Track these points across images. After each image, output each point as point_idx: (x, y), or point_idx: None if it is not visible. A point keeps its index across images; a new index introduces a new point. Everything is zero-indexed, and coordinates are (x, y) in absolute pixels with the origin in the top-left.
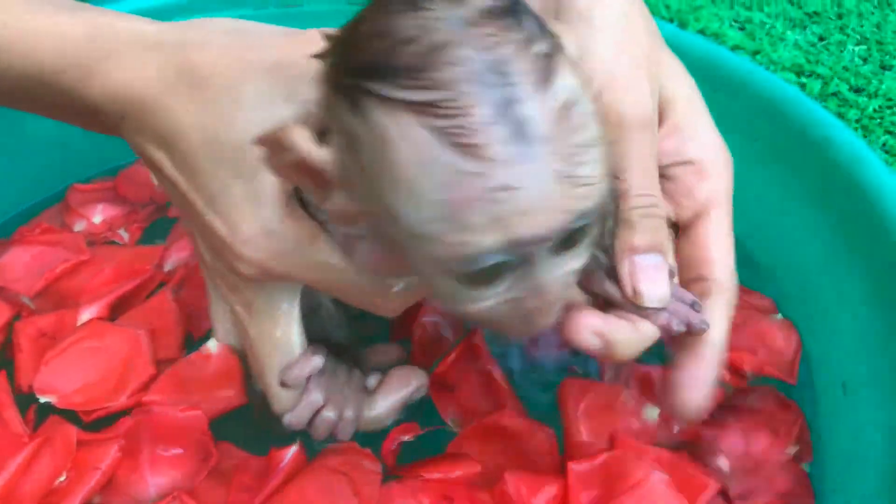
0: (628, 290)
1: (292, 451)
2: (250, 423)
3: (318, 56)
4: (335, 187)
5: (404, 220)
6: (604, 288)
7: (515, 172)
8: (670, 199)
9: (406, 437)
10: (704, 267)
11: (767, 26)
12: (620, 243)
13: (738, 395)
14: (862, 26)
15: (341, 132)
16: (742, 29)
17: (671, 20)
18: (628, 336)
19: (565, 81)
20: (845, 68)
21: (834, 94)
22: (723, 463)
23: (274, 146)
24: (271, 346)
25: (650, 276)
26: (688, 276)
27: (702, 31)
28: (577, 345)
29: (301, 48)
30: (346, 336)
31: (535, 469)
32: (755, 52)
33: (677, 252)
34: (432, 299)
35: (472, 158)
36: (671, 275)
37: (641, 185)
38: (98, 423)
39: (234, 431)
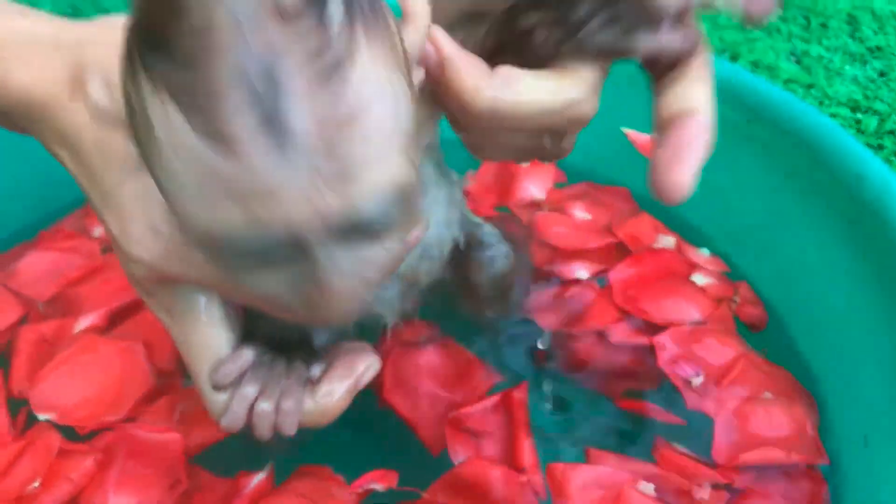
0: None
1: (259, 476)
2: (232, 448)
3: None
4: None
5: (163, 188)
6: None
7: (267, 161)
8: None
9: (378, 486)
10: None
11: (825, 60)
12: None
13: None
14: None
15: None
16: (798, 62)
17: (724, 51)
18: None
19: (352, 89)
20: None
21: (891, 131)
22: None
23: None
24: (198, 349)
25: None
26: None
27: (755, 63)
28: None
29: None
30: (298, 333)
31: None
32: (809, 86)
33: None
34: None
35: (217, 139)
36: None
37: None
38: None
39: (214, 454)
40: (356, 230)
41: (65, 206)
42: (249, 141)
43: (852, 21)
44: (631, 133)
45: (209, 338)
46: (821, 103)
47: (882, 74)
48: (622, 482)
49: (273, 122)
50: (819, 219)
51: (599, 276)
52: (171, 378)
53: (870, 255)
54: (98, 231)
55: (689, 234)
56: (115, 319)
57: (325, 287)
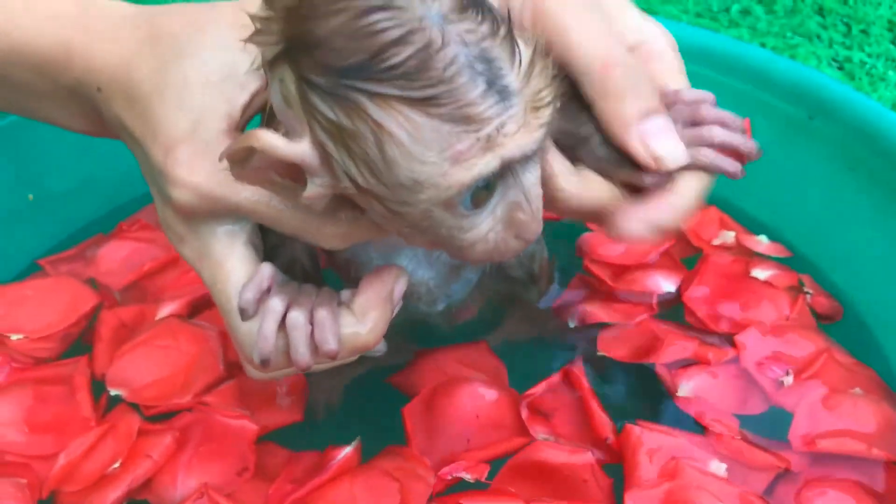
0: (648, 161)
1: (347, 449)
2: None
3: (271, 51)
4: (313, 175)
5: (408, 180)
6: (627, 176)
7: (502, 118)
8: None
9: (467, 476)
10: None
11: (868, 66)
12: (618, 119)
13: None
14: None
15: (326, 126)
16: (840, 68)
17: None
18: (671, 207)
19: (521, 49)
20: None
21: None
22: None
23: (242, 154)
24: (221, 285)
25: (662, 140)
26: None
27: None
28: (630, 239)
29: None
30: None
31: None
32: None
33: None
34: (402, 238)
35: (472, 123)
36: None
37: (606, 47)
38: (159, 416)
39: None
40: (532, 151)
41: (139, 198)
42: (489, 107)
43: (892, 27)
44: None
45: (236, 270)
46: None
47: None
48: (692, 456)
49: (496, 85)
50: (883, 209)
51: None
52: (240, 369)
53: None
54: None
55: (753, 229)
56: (196, 309)
57: (526, 204)
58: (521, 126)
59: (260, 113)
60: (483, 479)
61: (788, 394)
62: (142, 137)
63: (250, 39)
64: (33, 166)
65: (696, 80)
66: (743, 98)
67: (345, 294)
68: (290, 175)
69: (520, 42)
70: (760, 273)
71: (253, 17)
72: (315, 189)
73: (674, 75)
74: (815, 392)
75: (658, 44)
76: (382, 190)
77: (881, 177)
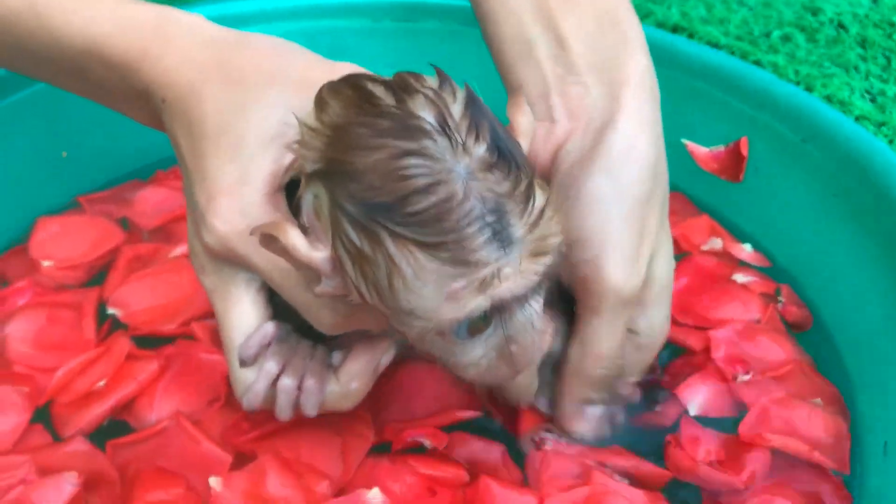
0: (567, 423)
1: None
2: None
3: (310, 164)
4: (328, 279)
5: (406, 308)
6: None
7: (499, 265)
8: None
9: (427, 442)
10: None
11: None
12: (577, 391)
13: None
14: None
15: (349, 249)
16: (873, 101)
17: (798, 83)
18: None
19: (538, 201)
20: None
21: None
22: None
23: (268, 238)
24: (233, 325)
25: (593, 424)
26: None
27: (828, 98)
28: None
29: (330, 75)
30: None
31: None
32: (881, 124)
33: None
34: (382, 332)
35: (469, 268)
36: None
37: (613, 353)
38: (145, 339)
39: None
40: (532, 290)
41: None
42: (490, 255)
43: None
44: (690, 144)
45: (245, 314)
46: (891, 141)
47: None
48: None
49: (502, 236)
50: (863, 237)
51: None
52: None
53: None
54: None
55: (741, 239)
56: None
57: (520, 339)
58: (516, 271)
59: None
60: (441, 448)
61: (750, 390)
62: (192, 172)
63: (296, 149)
64: (64, 126)
65: (697, 97)
66: (741, 117)
67: (336, 357)
68: (305, 267)
69: (538, 191)
70: (741, 277)
71: (301, 124)
72: (326, 288)
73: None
74: (776, 392)
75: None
76: (384, 309)
77: (862, 207)
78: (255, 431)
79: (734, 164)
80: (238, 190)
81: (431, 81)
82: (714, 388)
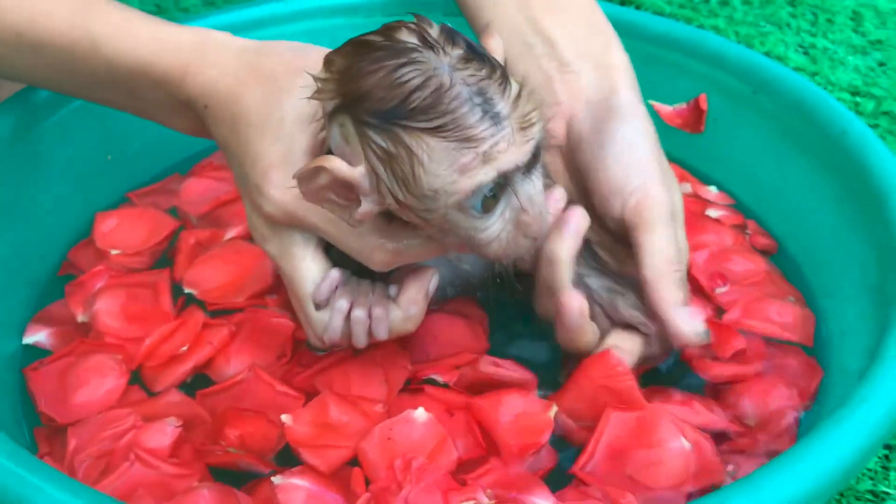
0: (679, 325)
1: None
2: None
3: (330, 104)
4: (365, 195)
5: (429, 190)
6: (636, 319)
7: (496, 138)
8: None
9: (439, 378)
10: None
11: (830, 52)
12: (669, 298)
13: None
14: None
15: (378, 154)
16: (805, 54)
17: (739, 43)
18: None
19: (513, 84)
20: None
21: (886, 112)
22: (749, 411)
23: (312, 174)
24: (301, 280)
25: (694, 321)
26: None
27: (766, 54)
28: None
29: None
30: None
31: None
32: (814, 74)
33: None
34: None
35: (471, 142)
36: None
37: (678, 256)
38: (219, 312)
39: None
40: (530, 163)
41: (199, 151)
42: (485, 130)
43: (856, 17)
44: (655, 104)
45: (309, 269)
46: (824, 88)
47: (881, 64)
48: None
49: (492, 114)
50: (812, 168)
51: None
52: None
53: (848, 189)
54: None
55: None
56: None
57: (529, 208)
58: (511, 143)
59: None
60: (451, 384)
61: (728, 297)
62: (242, 158)
63: (314, 96)
64: (110, 132)
65: (657, 62)
66: (699, 76)
67: (392, 289)
68: (345, 196)
69: (511, 80)
70: (713, 213)
71: (315, 78)
72: (367, 206)
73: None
74: (752, 294)
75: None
76: (413, 201)
77: (811, 144)
78: (309, 370)
79: (695, 118)
80: (286, 162)
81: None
82: (697, 300)
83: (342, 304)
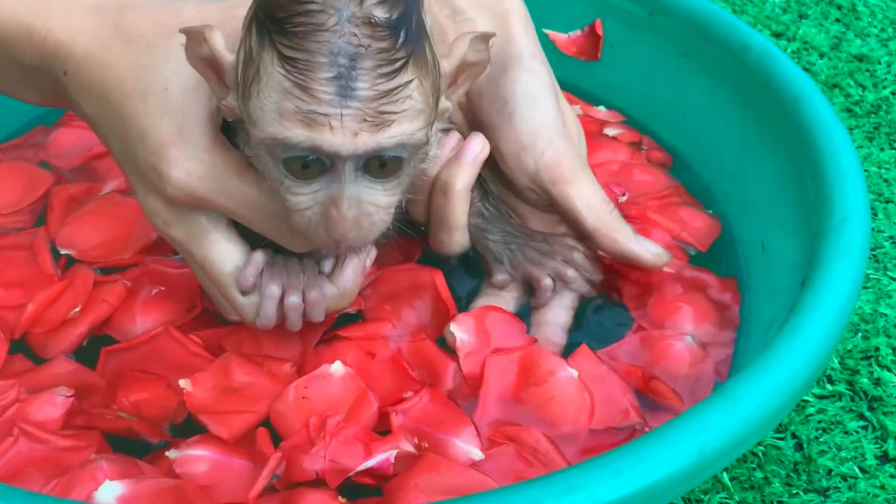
0: (650, 257)
1: None
2: None
3: None
4: (231, 87)
5: (252, 112)
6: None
7: (327, 109)
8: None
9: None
10: None
11: None
12: (621, 237)
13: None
14: None
15: (246, 50)
16: None
17: None
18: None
19: (400, 78)
20: (767, 17)
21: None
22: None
23: (195, 39)
24: (219, 262)
25: (655, 244)
26: None
27: None
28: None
29: (225, 14)
30: None
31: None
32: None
33: None
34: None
35: (303, 94)
36: None
37: (604, 195)
38: (109, 270)
39: None
40: (372, 167)
41: None
42: (326, 92)
43: None
44: (551, 33)
45: (226, 251)
46: None
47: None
48: None
49: (345, 85)
50: (713, 84)
51: None
52: None
53: (753, 101)
54: None
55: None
56: None
57: (340, 204)
58: (341, 126)
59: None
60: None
61: (629, 207)
62: (124, 133)
63: None
64: None
65: None
66: (592, 2)
67: (325, 265)
68: (220, 81)
69: (408, 71)
70: (611, 131)
71: None
72: (231, 99)
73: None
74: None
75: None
76: (246, 117)
77: (713, 62)
78: (218, 329)
79: (591, 44)
80: (182, 138)
81: None
82: None
83: (273, 289)
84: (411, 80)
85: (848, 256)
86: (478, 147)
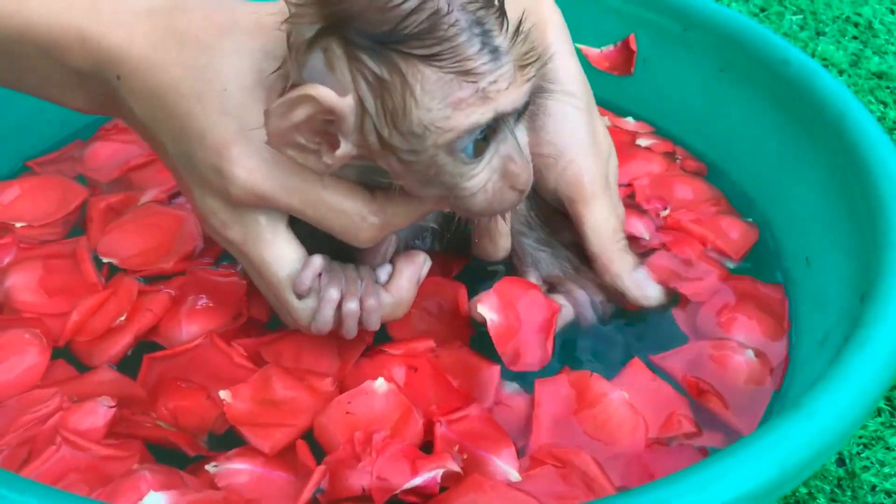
0: (638, 295)
1: None
2: None
3: (309, 28)
4: (347, 133)
5: (418, 126)
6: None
7: (496, 75)
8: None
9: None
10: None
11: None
12: (622, 266)
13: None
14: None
15: (370, 80)
16: None
17: None
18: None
19: (510, 23)
20: (785, 34)
21: None
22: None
23: (291, 105)
24: (275, 266)
25: (651, 283)
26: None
27: None
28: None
29: (273, 17)
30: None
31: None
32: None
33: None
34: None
35: (469, 76)
36: None
37: (620, 227)
38: (153, 278)
39: None
40: (523, 107)
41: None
42: (484, 63)
43: None
44: (583, 48)
45: (284, 253)
46: None
47: (762, 10)
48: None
49: (492, 48)
50: (751, 98)
51: None
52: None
53: (794, 115)
54: None
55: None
56: (173, 195)
57: (516, 156)
58: (510, 82)
59: None
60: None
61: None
62: (181, 135)
63: (288, 21)
64: None
65: (587, 4)
66: (626, 16)
67: (382, 274)
68: (321, 136)
69: (512, 23)
70: (643, 141)
71: (288, 3)
72: (345, 148)
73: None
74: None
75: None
76: (399, 140)
77: (751, 76)
78: (258, 339)
79: (624, 59)
80: (244, 136)
81: None
82: (643, 222)
83: (332, 293)
84: (515, 24)
85: None
86: None
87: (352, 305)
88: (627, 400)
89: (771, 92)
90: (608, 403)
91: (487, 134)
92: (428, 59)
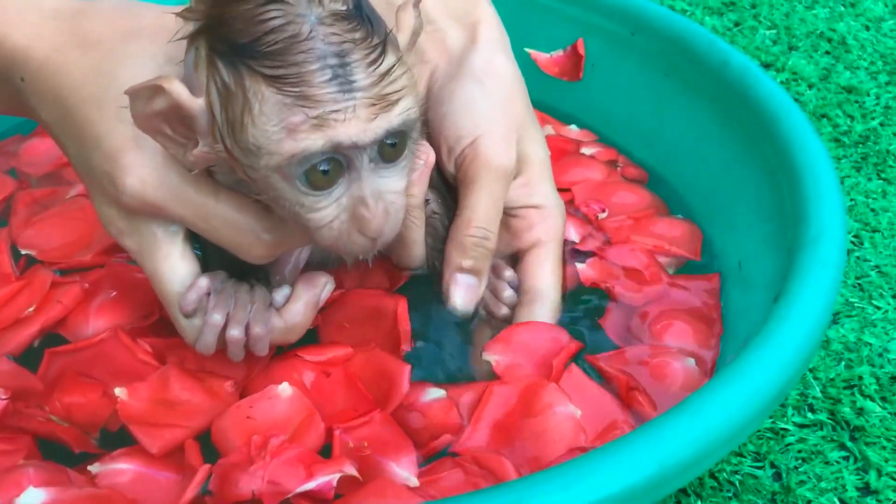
0: (445, 294)
1: None
2: None
3: (194, 25)
4: (201, 134)
5: (253, 144)
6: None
7: (337, 105)
8: (514, 233)
9: None
10: (528, 282)
11: (688, 13)
12: (452, 259)
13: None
14: (773, 14)
15: (219, 87)
16: None
17: None
18: None
19: (387, 60)
20: (757, 48)
21: None
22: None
23: (149, 93)
24: (166, 278)
25: (463, 292)
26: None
27: None
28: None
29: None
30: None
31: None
32: (684, 11)
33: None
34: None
35: (306, 102)
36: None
37: (484, 219)
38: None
39: None
40: (385, 152)
41: None
42: (329, 93)
43: None
44: (532, 53)
45: (175, 268)
46: None
47: (737, 24)
48: None
49: (344, 80)
50: (692, 102)
51: None
52: None
53: (733, 117)
54: None
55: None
56: None
57: (367, 200)
58: (354, 117)
59: None
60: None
61: (611, 223)
62: (80, 140)
63: (181, 14)
64: None
65: (535, 10)
66: (575, 21)
67: (278, 297)
68: (182, 132)
69: (390, 54)
70: (587, 150)
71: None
72: (202, 148)
73: (552, 234)
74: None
75: (553, 211)
76: (239, 153)
77: (689, 79)
78: (164, 340)
79: (574, 64)
80: (137, 145)
81: None
82: (581, 227)
83: (216, 318)
84: (396, 60)
85: (822, 270)
86: (422, 156)
87: (235, 332)
88: (576, 418)
89: (711, 95)
90: (551, 416)
91: (332, 168)
92: (272, 79)
